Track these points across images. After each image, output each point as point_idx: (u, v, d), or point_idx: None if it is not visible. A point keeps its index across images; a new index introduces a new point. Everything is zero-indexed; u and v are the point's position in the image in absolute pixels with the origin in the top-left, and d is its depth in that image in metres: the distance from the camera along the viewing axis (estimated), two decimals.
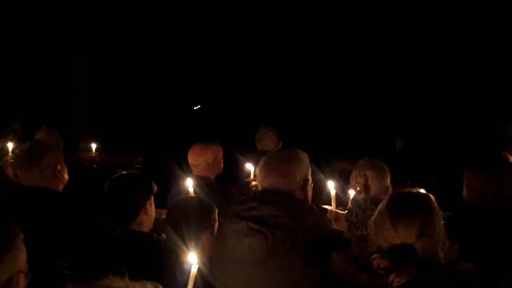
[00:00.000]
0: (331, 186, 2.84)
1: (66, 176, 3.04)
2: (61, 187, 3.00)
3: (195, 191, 2.95)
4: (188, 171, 3.66)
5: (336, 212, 2.73)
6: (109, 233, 2.40)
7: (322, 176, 3.53)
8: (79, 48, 8.40)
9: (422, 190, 2.57)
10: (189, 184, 2.92)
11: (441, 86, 7.89)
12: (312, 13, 8.41)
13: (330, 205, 2.87)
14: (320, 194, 3.29)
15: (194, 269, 1.82)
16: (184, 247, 2.18)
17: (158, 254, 2.19)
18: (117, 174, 2.57)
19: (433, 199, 1.95)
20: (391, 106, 8.02)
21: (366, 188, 3.08)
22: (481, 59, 7.61)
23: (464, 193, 2.83)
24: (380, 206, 1.92)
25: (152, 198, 2.49)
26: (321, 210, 2.75)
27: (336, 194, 2.92)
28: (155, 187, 2.51)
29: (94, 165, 5.09)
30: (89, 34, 8.24)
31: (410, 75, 8.10)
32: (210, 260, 2.31)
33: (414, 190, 1.98)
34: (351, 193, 2.91)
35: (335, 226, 2.65)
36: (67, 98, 8.68)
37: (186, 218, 2.29)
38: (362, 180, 3.13)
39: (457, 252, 2.26)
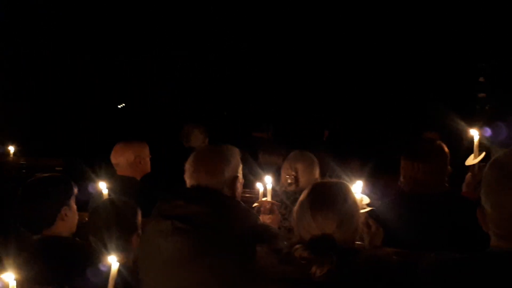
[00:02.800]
0: (268, 180, 2.85)
1: None
2: None
3: (118, 192, 2.88)
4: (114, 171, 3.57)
5: (271, 204, 2.75)
6: (25, 240, 2.30)
7: (260, 171, 3.56)
8: None
9: (360, 183, 2.64)
10: (103, 187, 2.83)
11: (364, 74, 8.18)
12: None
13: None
14: None
15: (114, 269, 1.77)
16: (105, 250, 2.12)
17: (77, 259, 2.11)
18: (33, 178, 2.46)
19: (351, 188, 2.01)
20: (315, 96, 8.22)
21: (296, 180, 3.14)
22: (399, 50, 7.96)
23: (402, 181, 2.88)
24: (301, 198, 1.96)
25: (72, 201, 2.41)
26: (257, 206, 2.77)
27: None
28: (75, 189, 2.43)
29: (12, 170, 4.84)
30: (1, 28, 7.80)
31: (333, 65, 8.33)
32: (135, 261, 2.27)
33: (333, 180, 2.03)
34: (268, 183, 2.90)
35: (269, 218, 2.68)
36: None
37: (111, 221, 2.23)
38: (293, 172, 3.20)
39: (381, 237, 2.34)
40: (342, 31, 8.15)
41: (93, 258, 2.21)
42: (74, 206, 2.41)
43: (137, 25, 8.39)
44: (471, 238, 2.43)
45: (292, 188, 3.27)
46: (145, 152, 3.56)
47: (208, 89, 8.79)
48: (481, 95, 6.86)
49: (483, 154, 2.90)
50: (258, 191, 2.87)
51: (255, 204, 2.75)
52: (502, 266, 1.51)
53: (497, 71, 7.06)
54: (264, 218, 2.69)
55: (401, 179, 2.88)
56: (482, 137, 2.96)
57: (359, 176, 3.05)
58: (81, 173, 3.57)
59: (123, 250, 2.25)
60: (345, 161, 4.11)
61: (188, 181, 2.35)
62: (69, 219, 2.36)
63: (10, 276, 1.76)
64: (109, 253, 2.13)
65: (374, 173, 3.60)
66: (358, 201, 2.25)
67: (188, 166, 2.37)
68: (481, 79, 6.99)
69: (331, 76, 8.25)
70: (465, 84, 7.28)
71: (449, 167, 2.88)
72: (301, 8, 8.30)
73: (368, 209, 2.32)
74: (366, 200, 2.88)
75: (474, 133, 2.92)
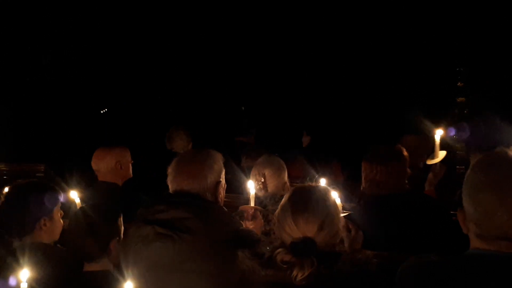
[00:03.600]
0: (250, 185, 2.84)
1: None
2: None
3: (99, 198, 2.86)
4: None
5: (254, 210, 2.74)
6: (8, 245, 2.28)
7: (242, 176, 3.56)
8: None
9: (323, 181, 2.67)
10: (74, 196, 2.81)
11: (345, 79, 8.25)
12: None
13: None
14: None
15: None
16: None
17: (57, 265, 2.10)
18: (16, 184, 2.44)
19: (331, 192, 2.04)
20: (298, 101, 8.26)
21: (265, 185, 3.17)
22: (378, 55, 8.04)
23: (363, 184, 2.91)
24: (282, 201, 1.98)
25: (56, 210, 2.39)
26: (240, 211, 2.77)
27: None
28: (60, 198, 2.42)
29: None
30: None
31: (315, 69, 8.38)
32: (118, 268, 2.25)
33: (314, 184, 2.06)
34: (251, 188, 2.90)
35: (252, 224, 2.67)
36: None
37: (89, 227, 2.22)
38: (261, 178, 3.22)
39: (361, 241, 2.37)
40: (322, 37, 8.21)
41: (72, 264, 2.21)
42: (57, 215, 2.39)
43: (118, 29, 8.34)
44: (438, 235, 2.48)
45: (261, 193, 3.29)
46: (126, 157, 3.52)
47: (192, 93, 8.78)
48: (460, 99, 6.99)
49: (444, 153, 2.97)
50: (239, 196, 2.87)
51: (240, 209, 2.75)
52: (482, 268, 1.53)
53: (475, 76, 7.18)
54: (247, 224, 2.69)
55: (363, 182, 2.92)
56: (457, 139, 3.03)
57: (339, 180, 3.10)
58: (62, 179, 3.53)
59: (101, 257, 2.24)
60: (326, 164, 4.14)
61: (171, 186, 2.35)
62: (49, 228, 2.35)
63: (25, 274, 1.74)
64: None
65: (353, 177, 3.64)
66: (339, 205, 2.28)
67: (170, 170, 2.37)
68: (460, 83, 7.12)
69: (313, 80, 8.31)
70: (444, 88, 7.38)
71: (408, 169, 2.93)
72: (280, 16, 8.35)
73: (347, 212, 2.34)
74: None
75: (438, 133, 2.97)
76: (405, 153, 2.93)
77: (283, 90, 8.46)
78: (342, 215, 2.30)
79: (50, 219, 2.36)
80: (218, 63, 8.71)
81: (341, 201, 2.42)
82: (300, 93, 8.35)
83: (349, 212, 2.38)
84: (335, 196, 2.33)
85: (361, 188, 2.92)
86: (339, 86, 8.16)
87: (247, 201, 2.78)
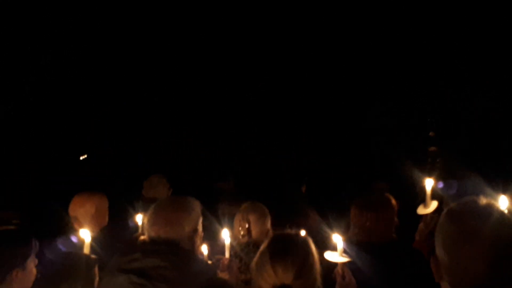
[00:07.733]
0: (225, 235, 2.84)
1: None
2: None
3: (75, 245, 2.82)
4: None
5: (229, 262, 2.74)
6: None
7: (218, 226, 3.54)
8: None
9: (303, 232, 2.69)
10: (84, 235, 2.78)
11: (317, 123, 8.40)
12: None
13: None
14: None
15: None
16: None
17: None
18: None
19: (310, 240, 2.06)
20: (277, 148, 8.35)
21: (249, 231, 3.17)
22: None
23: (352, 231, 2.92)
24: (261, 248, 2.00)
25: (29, 261, 2.36)
26: (215, 261, 2.76)
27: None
28: (35, 249, 2.38)
29: None
30: None
31: (283, 109, 8.54)
32: None
33: (293, 232, 2.08)
34: (226, 238, 2.89)
35: (228, 275, 2.66)
36: None
37: (62, 275, 2.19)
38: (245, 223, 3.23)
39: None
40: (292, 86, 8.40)
41: None
42: (31, 266, 2.34)
43: (89, 78, 8.35)
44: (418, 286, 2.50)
45: (245, 239, 3.29)
46: (105, 205, 3.51)
47: (170, 137, 8.80)
48: (432, 148, 7.13)
49: (436, 204, 2.99)
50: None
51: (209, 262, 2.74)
52: None
53: (445, 126, 7.38)
54: (222, 275, 2.68)
55: (351, 228, 2.94)
56: (435, 188, 3.05)
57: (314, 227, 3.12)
58: (38, 226, 3.48)
59: None
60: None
61: (148, 233, 2.33)
62: (21, 279, 2.30)
63: None
64: None
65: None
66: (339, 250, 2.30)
67: (148, 218, 2.36)
68: (432, 133, 7.29)
69: (288, 129, 8.44)
70: (416, 138, 7.56)
71: (396, 219, 2.96)
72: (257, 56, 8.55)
73: (348, 259, 2.33)
74: None
75: (428, 183, 2.98)
76: (394, 202, 2.97)
77: (262, 137, 8.55)
78: (342, 260, 2.30)
79: (23, 270, 2.32)
80: (196, 105, 8.79)
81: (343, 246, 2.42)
82: (277, 141, 8.45)
83: (349, 259, 2.37)
84: (338, 240, 2.34)
85: (349, 234, 2.93)
86: (313, 136, 8.30)
87: (222, 248, 2.78)
